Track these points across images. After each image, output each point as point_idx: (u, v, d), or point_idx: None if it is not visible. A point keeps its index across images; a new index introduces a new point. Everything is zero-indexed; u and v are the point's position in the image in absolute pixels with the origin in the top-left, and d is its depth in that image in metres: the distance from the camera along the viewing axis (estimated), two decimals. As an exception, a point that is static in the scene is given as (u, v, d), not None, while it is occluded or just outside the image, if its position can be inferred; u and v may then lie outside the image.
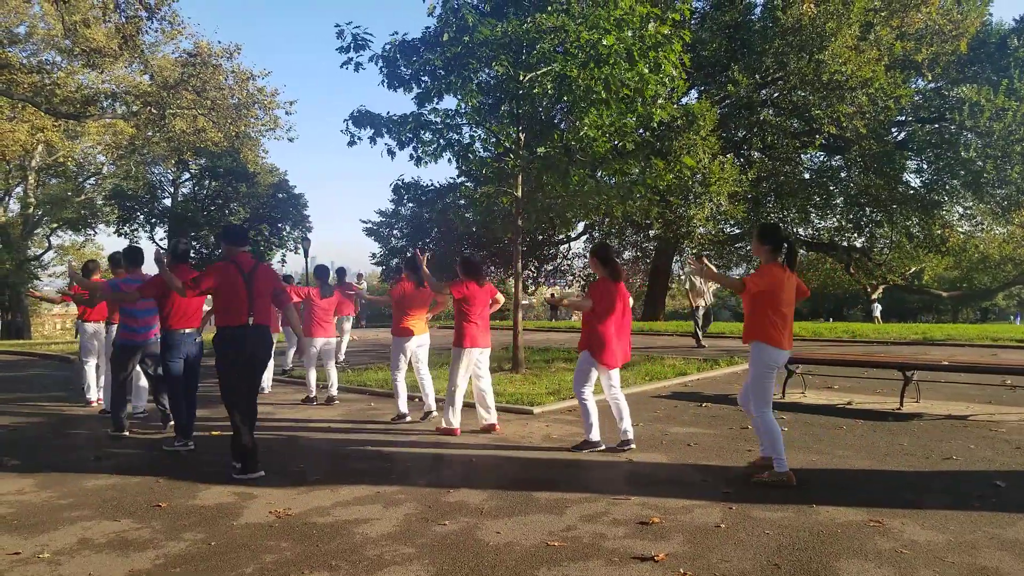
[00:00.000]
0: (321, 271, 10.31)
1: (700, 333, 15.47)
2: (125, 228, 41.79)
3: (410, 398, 8.38)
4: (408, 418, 8.00)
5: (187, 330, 6.85)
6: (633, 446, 6.40)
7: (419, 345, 8.04)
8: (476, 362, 7.24)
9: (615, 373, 6.43)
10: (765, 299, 5.28)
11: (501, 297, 7.71)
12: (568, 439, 6.87)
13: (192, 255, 41.72)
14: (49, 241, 45.25)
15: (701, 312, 15.25)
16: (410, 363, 8.10)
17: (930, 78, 24.61)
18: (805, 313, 65.53)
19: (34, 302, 42.76)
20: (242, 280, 5.79)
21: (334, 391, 9.50)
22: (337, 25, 10.47)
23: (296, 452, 6.70)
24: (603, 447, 6.41)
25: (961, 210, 27.70)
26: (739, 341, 14.89)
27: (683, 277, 15.67)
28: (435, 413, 7.98)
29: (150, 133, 27.24)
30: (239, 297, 5.76)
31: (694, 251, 25.00)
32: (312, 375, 9.64)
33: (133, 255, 7.85)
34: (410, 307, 7.94)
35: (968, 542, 4.02)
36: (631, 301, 6.85)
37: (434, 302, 8.34)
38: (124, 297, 7.23)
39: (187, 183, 45.24)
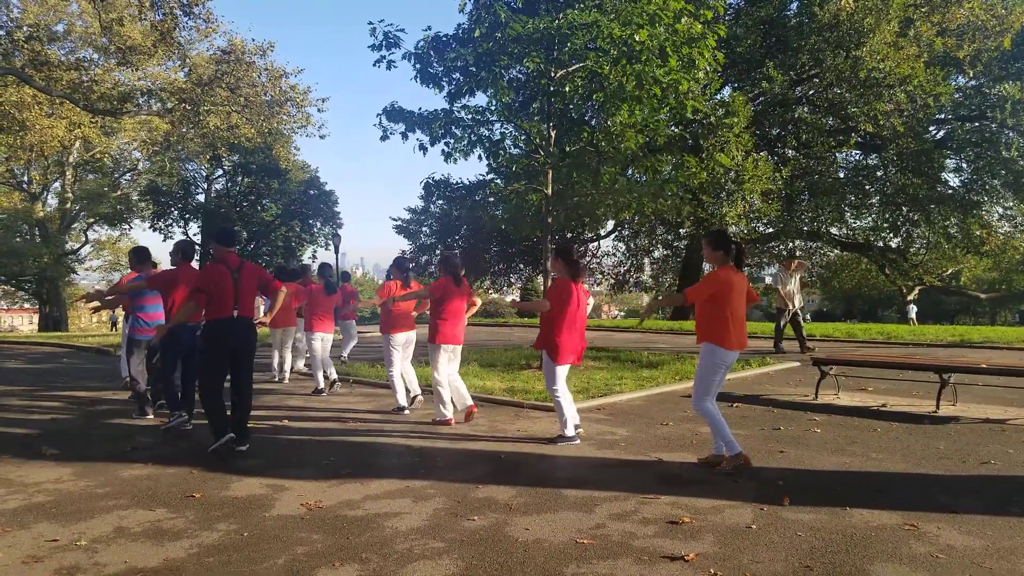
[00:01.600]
0: (325, 269, 10.91)
1: (779, 337, 14.11)
2: (159, 223, 42.46)
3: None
4: (407, 411, 8.28)
5: (189, 323, 7.22)
6: (581, 430, 6.75)
7: (407, 342, 8.35)
8: (450, 357, 7.65)
9: (563, 371, 6.68)
10: (716, 302, 5.54)
11: (478, 300, 8.08)
12: (596, 437, 6.85)
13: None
14: (86, 236, 46.13)
15: (789, 315, 13.88)
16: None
17: (971, 75, 24.11)
18: (838, 314, 64.83)
19: (72, 295, 43.52)
20: (230, 277, 6.43)
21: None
22: (370, 23, 10.54)
23: (326, 446, 6.75)
24: (578, 441, 6.62)
25: (1001, 210, 27.18)
26: (770, 342, 14.75)
27: (776, 277, 14.24)
28: (420, 396, 8.51)
29: (184, 129, 27.62)
30: (227, 292, 6.39)
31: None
32: (319, 370, 10.10)
33: (139, 254, 8.66)
34: (400, 307, 8.27)
35: (1007, 548, 3.93)
36: (590, 301, 7.19)
37: (419, 302, 8.51)
38: (139, 287, 8.02)
39: (220, 179, 45.84)
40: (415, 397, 8.49)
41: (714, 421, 5.62)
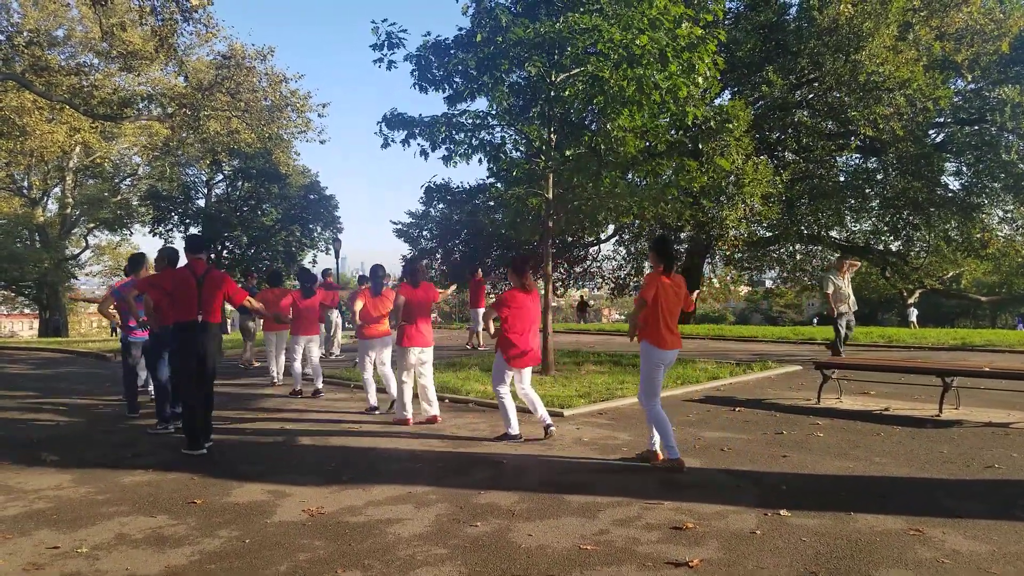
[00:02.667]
0: (304, 275, 11.12)
1: (841, 342, 12.78)
2: (160, 228, 42.40)
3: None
4: (379, 411, 8.63)
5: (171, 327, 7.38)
6: (554, 429, 6.99)
7: (383, 346, 8.74)
8: (418, 359, 7.91)
9: (525, 373, 7.01)
10: (654, 304, 5.88)
11: (440, 294, 8.45)
12: (599, 442, 6.83)
13: (225, 256, 42.30)
14: (86, 241, 46.06)
15: (845, 319, 12.69)
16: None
17: (970, 79, 24.12)
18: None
19: (72, 301, 43.52)
20: (194, 282, 6.76)
21: (319, 383, 10.33)
22: (372, 22, 10.53)
23: (327, 451, 6.73)
24: (522, 439, 6.93)
25: (1001, 213, 27.15)
26: (775, 346, 14.75)
27: (824, 279, 12.95)
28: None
29: (185, 134, 27.58)
30: (191, 297, 6.72)
31: (724, 251, 24.49)
32: (274, 364, 11.05)
33: (133, 261, 8.95)
34: (369, 313, 8.67)
35: (1013, 553, 3.91)
36: (542, 307, 7.55)
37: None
38: (128, 298, 8.34)
39: (220, 184, 45.78)
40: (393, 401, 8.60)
41: (659, 422, 5.87)
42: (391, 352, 8.80)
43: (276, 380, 11.36)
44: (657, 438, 5.96)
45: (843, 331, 12.76)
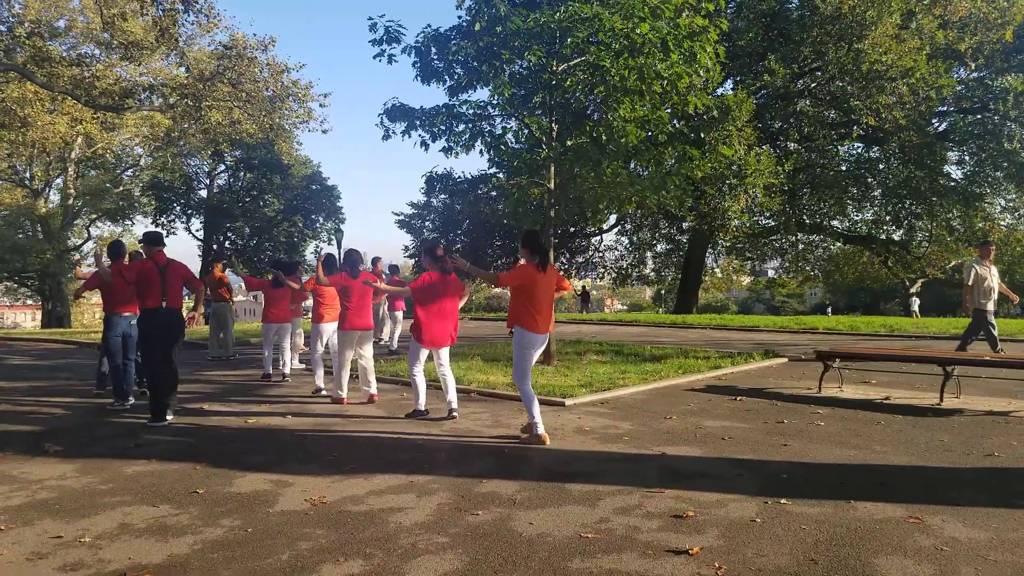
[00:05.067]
0: (275, 265, 11.49)
1: (993, 340, 10.62)
2: (162, 219, 42.46)
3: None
4: (323, 392, 9.30)
5: (125, 314, 8.60)
6: (456, 415, 7.46)
7: (334, 331, 9.46)
8: (358, 342, 8.58)
9: (443, 353, 7.55)
10: (523, 292, 6.43)
11: (378, 284, 8.75)
12: (601, 431, 6.85)
13: (228, 246, 42.26)
14: (88, 232, 46.10)
15: (991, 316, 10.67)
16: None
17: (973, 67, 24.06)
18: (841, 307, 64.80)
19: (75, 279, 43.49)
20: (157, 273, 7.57)
21: (285, 369, 10.86)
22: (370, 18, 10.51)
23: (329, 441, 6.76)
24: (428, 414, 7.58)
25: (1003, 202, 27.16)
26: (774, 335, 14.76)
27: (968, 270, 10.72)
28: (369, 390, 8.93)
29: (186, 125, 27.58)
30: (155, 286, 7.54)
31: (726, 241, 24.30)
32: (270, 355, 10.99)
33: (112, 249, 9.30)
34: (324, 299, 9.66)
35: (1012, 540, 3.93)
36: (468, 291, 8.09)
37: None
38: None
39: (222, 175, 45.79)
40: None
41: (530, 402, 6.40)
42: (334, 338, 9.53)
43: (270, 370, 10.93)
44: (537, 416, 6.42)
45: (992, 327, 10.62)
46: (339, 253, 11.20)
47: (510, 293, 6.63)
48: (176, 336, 7.77)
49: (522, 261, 6.63)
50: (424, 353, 7.51)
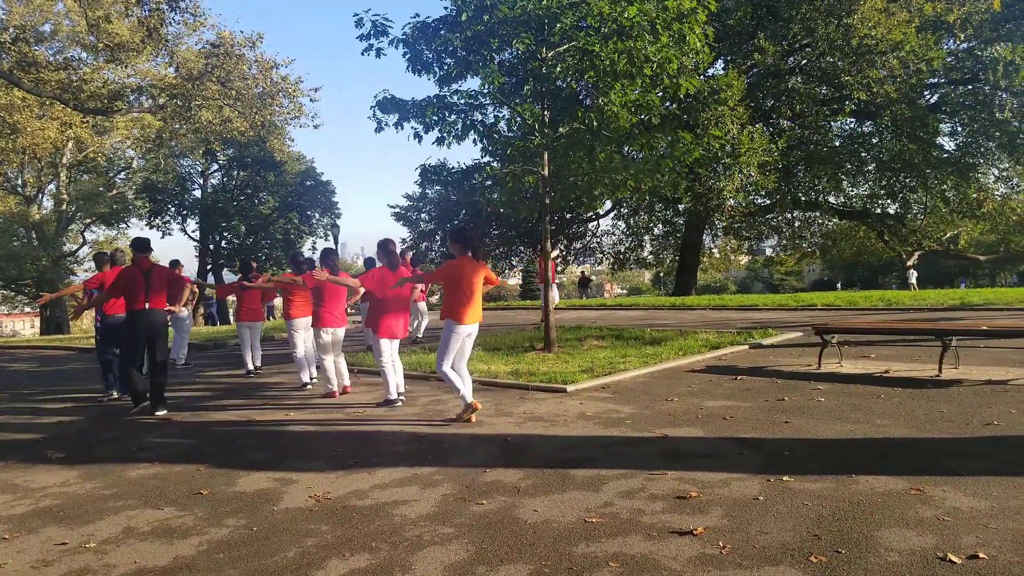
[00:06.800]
0: (244, 266, 11.72)
1: None
2: (157, 221, 42.32)
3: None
4: (309, 387, 9.59)
5: (118, 315, 9.18)
6: (400, 403, 7.92)
7: (306, 326, 9.72)
8: (333, 338, 8.85)
9: (394, 343, 7.96)
10: (451, 285, 6.87)
11: (354, 282, 8.77)
12: (603, 416, 6.87)
13: (224, 246, 42.15)
14: (83, 237, 45.96)
15: None
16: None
17: (962, 38, 23.98)
18: (846, 282, 64.90)
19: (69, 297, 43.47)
20: (141, 277, 8.11)
21: (250, 364, 11.39)
22: (356, 14, 10.44)
23: (332, 437, 6.77)
24: (400, 403, 7.92)
25: (997, 172, 27.14)
26: (772, 314, 14.77)
27: None
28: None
29: (177, 125, 27.48)
30: (139, 289, 8.09)
31: (722, 221, 24.19)
32: (248, 353, 11.36)
33: (97, 259, 10.20)
34: (294, 297, 9.79)
35: (1012, 508, 3.95)
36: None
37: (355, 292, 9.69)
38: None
39: (216, 174, 45.66)
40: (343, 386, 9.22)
41: (452, 382, 6.83)
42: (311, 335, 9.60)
43: (251, 369, 11.38)
44: (467, 391, 6.88)
45: None
46: (336, 248, 11.27)
47: (443, 288, 7.10)
48: (158, 334, 8.33)
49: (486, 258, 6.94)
50: (390, 344, 7.89)
